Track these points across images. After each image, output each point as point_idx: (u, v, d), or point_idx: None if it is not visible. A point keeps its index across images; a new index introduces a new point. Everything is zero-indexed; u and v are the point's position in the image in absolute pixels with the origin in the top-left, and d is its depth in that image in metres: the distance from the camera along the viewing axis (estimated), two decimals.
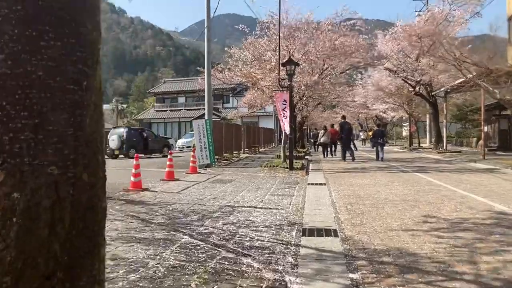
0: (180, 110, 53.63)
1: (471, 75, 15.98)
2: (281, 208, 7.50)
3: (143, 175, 13.06)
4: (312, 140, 40.29)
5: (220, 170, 14.64)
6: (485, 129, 28.67)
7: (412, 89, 25.06)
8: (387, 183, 11.10)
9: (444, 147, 24.60)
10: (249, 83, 15.92)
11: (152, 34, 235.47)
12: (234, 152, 21.77)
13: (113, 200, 7.92)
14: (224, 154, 18.70)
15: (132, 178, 9.29)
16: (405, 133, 67.69)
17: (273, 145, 41.18)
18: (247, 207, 7.61)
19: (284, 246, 5.06)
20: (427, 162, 18.64)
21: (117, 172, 13.89)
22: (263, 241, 5.26)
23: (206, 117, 15.75)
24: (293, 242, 5.22)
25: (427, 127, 40.14)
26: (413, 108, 31.77)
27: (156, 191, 9.34)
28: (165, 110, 54.27)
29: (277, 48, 14.72)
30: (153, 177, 12.33)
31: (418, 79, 23.17)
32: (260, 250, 4.80)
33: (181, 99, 55.20)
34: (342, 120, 20.97)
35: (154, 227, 5.84)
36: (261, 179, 12.28)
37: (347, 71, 20.74)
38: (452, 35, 18.35)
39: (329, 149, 23.62)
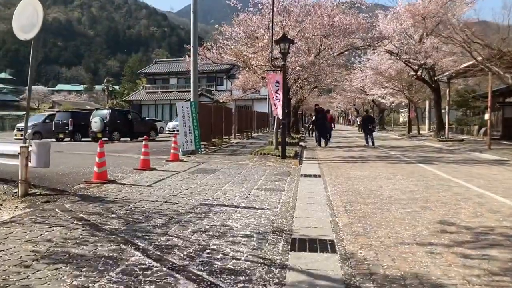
0: (171, 91, 52.06)
1: (480, 58, 14.70)
2: (267, 208, 6.27)
3: (117, 162, 11.87)
4: (307, 125, 39.07)
5: (205, 158, 13.36)
6: (487, 116, 27.56)
7: (414, 73, 23.72)
8: (389, 176, 9.88)
9: (446, 135, 23.44)
10: (240, 62, 14.54)
11: (147, 14, 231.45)
12: (224, 137, 20.47)
13: (66, 196, 6.64)
14: (212, 140, 17.41)
15: (95, 168, 8.00)
16: (402, 119, 66.64)
17: (267, 129, 39.84)
18: (227, 206, 6.37)
19: (266, 267, 3.83)
20: (429, 151, 17.45)
21: (91, 158, 12.59)
22: (240, 259, 4.03)
23: (191, 98, 14.40)
24: (278, 261, 4.00)
25: (426, 113, 38.97)
26: (413, 93, 30.47)
27: (124, 184, 8.06)
28: (156, 92, 52.67)
29: (271, 24, 13.33)
30: (128, 165, 11.05)
31: (421, 62, 21.82)
32: (233, 276, 3.57)
33: (173, 81, 53.57)
34: (317, 107, 21.44)
35: (102, 237, 4.58)
36: (249, 168, 11.03)
37: (346, 52, 19.34)
38: (459, 15, 16.95)
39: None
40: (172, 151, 12.29)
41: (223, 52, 14.90)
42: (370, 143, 20.34)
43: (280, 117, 13.33)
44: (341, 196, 7.47)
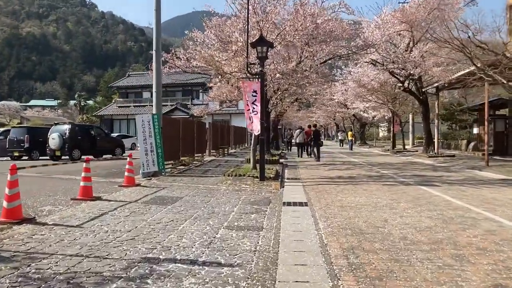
0: (144, 105, 49.70)
1: (480, 65, 13.19)
2: (238, 264, 4.31)
3: (58, 188, 9.68)
4: (286, 140, 37.30)
5: (169, 181, 11.29)
6: (475, 130, 26.30)
7: (401, 85, 22.25)
8: (391, 204, 8.03)
9: (436, 151, 21.91)
10: (211, 69, 12.65)
11: (124, 29, 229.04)
12: (197, 155, 18.43)
13: None
14: (181, 158, 15.35)
15: (4, 203, 5.85)
16: (382, 133, 65.68)
17: (245, 145, 37.93)
18: (179, 262, 4.38)
19: None
20: (423, 169, 15.77)
21: (37, 182, 10.39)
22: None
23: (154, 110, 12.39)
24: None
25: (410, 127, 37.72)
26: (398, 106, 29.05)
27: (44, 224, 5.95)
28: (129, 106, 50.26)
29: (246, 25, 11.49)
30: (69, 192, 8.92)
31: (409, 73, 20.35)
32: None
33: (146, 94, 51.23)
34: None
35: None
36: (220, 195, 9.03)
37: (329, 61, 17.65)
38: (457, 14, 15.51)
39: (305, 149, 24.75)
40: (126, 173, 10.17)
41: (192, 57, 12.95)
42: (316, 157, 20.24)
43: (257, 133, 11.42)
44: (338, 237, 5.54)
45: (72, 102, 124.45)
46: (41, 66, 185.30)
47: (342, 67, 28.54)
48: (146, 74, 51.28)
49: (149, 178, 11.58)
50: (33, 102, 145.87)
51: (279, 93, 17.90)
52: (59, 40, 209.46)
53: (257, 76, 11.32)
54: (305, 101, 31.00)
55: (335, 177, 13.00)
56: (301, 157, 23.71)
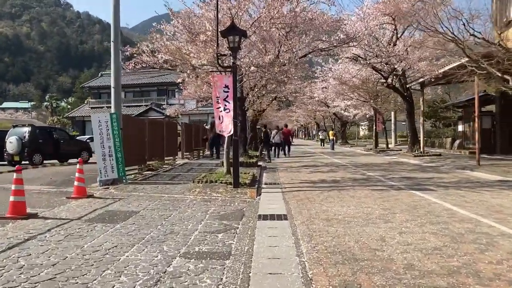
0: None
1: (473, 56, 12.16)
2: None
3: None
4: (259, 140, 35.99)
5: (129, 190, 9.87)
6: (460, 128, 25.51)
7: (385, 81, 21.23)
8: (385, 216, 6.82)
9: (422, 150, 20.95)
10: (178, 64, 11.26)
11: (100, 29, 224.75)
12: (168, 158, 17.00)
13: None
14: (148, 163, 13.91)
15: None
16: (362, 132, 65.14)
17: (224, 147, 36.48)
18: None
19: None
20: (411, 170, 14.70)
21: None
22: None
23: (112, 109, 10.95)
24: None
25: (392, 125, 36.90)
26: (381, 103, 28.09)
27: None
28: (102, 107, 48.20)
29: (216, 14, 10.15)
30: (5, 207, 7.41)
31: (393, 68, 19.32)
32: None
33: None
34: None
35: None
36: (185, 207, 7.69)
37: (310, 55, 16.44)
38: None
39: (281, 148, 24.82)
40: (75, 183, 8.71)
41: (157, 50, 11.52)
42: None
43: (228, 134, 10.10)
44: (325, 267, 4.28)
45: (46, 104, 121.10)
46: (14, 68, 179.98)
47: (323, 64, 27.41)
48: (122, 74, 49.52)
49: (106, 186, 10.14)
50: (5, 104, 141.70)
51: (256, 90, 16.62)
52: (33, 41, 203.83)
53: (229, 70, 9.99)
54: (284, 99, 29.77)
55: (318, 181, 11.77)
56: (278, 157, 23.80)
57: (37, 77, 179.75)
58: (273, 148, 24.92)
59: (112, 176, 10.49)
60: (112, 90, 10.87)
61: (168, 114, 30.38)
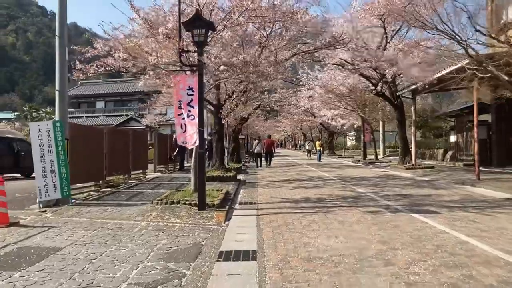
0: (98, 116, 45.85)
1: (480, 57, 10.74)
2: None
3: None
4: (251, 152, 34.36)
5: (70, 214, 8.14)
6: (453, 138, 24.20)
7: (373, 88, 19.82)
8: (383, 252, 5.23)
9: (414, 162, 19.50)
10: (138, 62, 9.63)
11: (87, 40, 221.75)
12: (136, 172, 15.28)
13: None
14: (107, 178, 12.15)
15: None
16: (350, 143, 63.92)
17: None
18: None
19: None
20: (405, 186, 13.18)
21: None
22: None
23: (56, 116, 9.23)
24: None
25: (380, 136, 35.57)
26: (368, 113, 26.70)
27: None
28: (81, 116, 46.24)
29: (178, 1, 8.56)
30: None
31: (383, 74, 17.92)
32: None
33: (100, 104, 47.39)
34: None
35: None
36: (127, 240, 6.02)
37: (293, 59, 14.95)
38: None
39: (263, 159, 25.47)
40: None
41: (115, 48, 9.86)
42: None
43: (192, 146, 8.45)
44: None
45: (33, 114, 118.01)
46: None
47: (308, 72, 25.94)
48: (101, 83, 47.64)
49: (44, 210, 8.39)
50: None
51: (235, 96, 15.04)
52: (18, 51, 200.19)
53: (194, 68, 8.38)
54: (268, 108, 28.25)
55: (300, 200, 10.16)
56: (260, 166, 24.52)
57: (21, 88, 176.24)
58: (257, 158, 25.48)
59: (55, 196, 8.75)
60: (56, 93, 9.16)
61: (147, 123, 28.58)
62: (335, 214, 8.02)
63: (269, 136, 28.52)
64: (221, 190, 10.80)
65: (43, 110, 63.28)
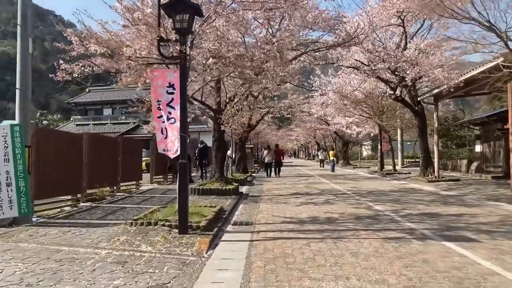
0: (105, 124, 44.78)
1: None
2: None
3: None
4: (262, 160, 32.73)
5: (21, 238, 6.69)
6: (478, 148, 22.32)
7: (392, 93, 18.11)
8: None
9: (436, 174, 17.70)
10: (116, 55, 8.22)
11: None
12: (126, 183, 13.87)
13: None
14: (87, 191, 10.71)
15: None
16: (366, 153, 61.88)
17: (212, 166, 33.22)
18: None
19: None
20: (430, 202, 11.46)
21: None
22: None
23: (16, 119, 7.84)
24: None
25: (399, 145, 33.66)
26: (386, 120, 24.93)
27: None
28: (88, 124, 45.23)
29: None
30: None
31: (402, 77, 16.22)
32: None
33: (107, 111, 46.30)
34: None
35: None
36: (68, 281, 4.55)
37: (301, 58, 13.43)
38: None
39: (273, 169, 24.75)
40: None
41: (89, 38, 8.45)
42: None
43: (174, 155, 6.94)
44: None
45: (45, 122, 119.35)
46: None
47: (321, 76, 24.35)
48: (108, 90, 46.64)
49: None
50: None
51: (236, 100, 13.56)
52: (35, 60, 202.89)
53: (176, 61, 6.91)
54: (278, 115, 26.71)
55: (307, 220, 8.56)
56: (270, 176, 24.20)
57: (37, 96, 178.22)
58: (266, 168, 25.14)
59: (11, 214, 7.33)
60: (17, 92, 7.79)
61: (149, 130, 27.26)
62: (347, 242, 6.41)
63: (277, 146, 27.90)
64: (215, 206, 9.26)
65: (50, 116, 62.90)
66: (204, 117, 18.20)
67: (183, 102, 6.77)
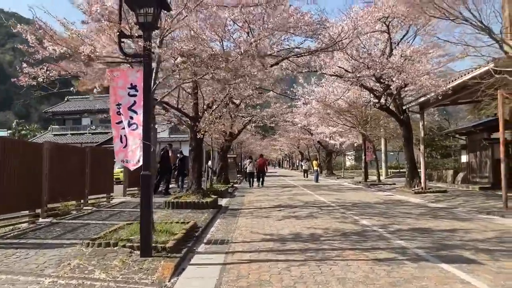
0: (83, 133, 43.46)
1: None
2: None
3: None
4: (244, 171, 31.93)
5: None
6: (464, 158, 21.88)
7: (377, 101, 17.53)
8: None
9: (423, 185, 17.10)
10: (75, 55, 7.43)
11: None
12: (96, 196, 12.92)
13: None
14: (54, 205, 9.76)
15: None
16: (349, 162, 61.61)
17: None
18: None
19: None
20: (419, 216, 10.79)
21: None
22: None
23: None
24: None
25: (382, 155, 33.22)
26: (370, 130, 24.41)
27: None
28: (65, 134, 43.81)
29: None
30: None
31: (387, 85, 15.67)
32: None
33: (86, 121, 44.98)
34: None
35: None
36: None
37: (283, 64, 12.77)
38: None
39: (255, 179, 25.08)
40: None
41: (45, 37, 7.60)
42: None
43: (134, 166, 6.12)
44: None
45: (23, 132, 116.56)
46: None
47: (304, 84, 23.77)
48: (87, 99, 45.36)
49: None
50: None
51: (215, 107, 12.78)
52: (15, 69, 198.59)
53: (139, 59, 6.11)
54: (261, 124, 25.99)
55: (288, 238, 7.76)
56: (252, 186, 24.32)
57: (17, 105, 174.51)
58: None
59: None
60: None
61: None
62: (332, 265, 5.63)
63: (261, 156, 27.59)
64: (187, 222, 8.42)
65: (27, 126, 61.21)
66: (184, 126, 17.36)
67: (147, 105, 5.95)
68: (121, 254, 5.99)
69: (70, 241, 7.04)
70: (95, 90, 7.05)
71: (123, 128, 6.07)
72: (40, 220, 9.25)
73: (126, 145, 6.08)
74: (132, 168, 6.17)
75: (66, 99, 46.97)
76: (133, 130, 6.04)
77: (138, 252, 6.00)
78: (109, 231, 7.33)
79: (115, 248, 6.31)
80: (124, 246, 6.29)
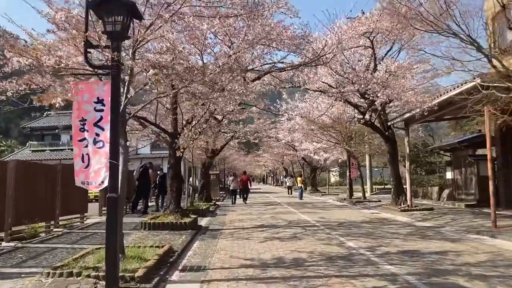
0: (62, 150, 42.41)
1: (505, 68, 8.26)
2: None
3: None
4: (228, 187, 31.36)
5: None
6: (449, 175, 21.72)
7: (361, 117, 17.26)
8: None
9: (409, 203, 16.77)
10: (40, 66, 6.91)
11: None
12: (68, 217, 12.23)
13: None
14: (17, 228, 9.09)
15: None
16: (334, 179, 61.40)
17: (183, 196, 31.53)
18: None
19: None
20: (406, 236, 10.39)
21: None
22: None
23: None
24: None
25: (367, 172, 32.98)
26: (355, 146, 24.17)
27: None
28: (44, 150, 42.71)
29: None
30: None
31: (372, 100, 15.41)
32: None
33: (65, 137, 43.94)
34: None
35: None
36: None
37: (265, 79, 12.41)
38: None
39: (238, 196, 25.24)
40: None
41: (6, 47, 7.05)
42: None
43: (96, 188, 5.58)
44: None
45: (1, 148, 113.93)
46: None
47: (288, 100, 23.48)
48: (66, 115, 44.38)
49: None
50: None
51: (195, 123, 12.29)
52: None
53: (107, 71, 5.62)
54: (244, 140, 25.57)
55: (270, 263, 7.24)
56: (234, 204, 23.87)
57: None
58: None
59: None
60: None
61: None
62: None
63: (245, 172, 27.49)
64: (162, 246, 7.84)
65: (3, 142, 59.65)
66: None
67: (114, 121, 5.43)
68: (84, 286, 5.39)
69: (30, 270, 6.41)
70: (57, 105, 6.47)
71: (86, 146, 5.54)
72: (3, 244, 8.57)
73: (88, 165, 5.53)
74: (95, 190, 5.62)
75: (45, 114, 45.92)
76: (99, 148, 5.51)
77: (104, 283, 5.42)
78: (74, 257, 6.71)
79: (79, 278, 5.70)
80: (88, 276, 5.70)
